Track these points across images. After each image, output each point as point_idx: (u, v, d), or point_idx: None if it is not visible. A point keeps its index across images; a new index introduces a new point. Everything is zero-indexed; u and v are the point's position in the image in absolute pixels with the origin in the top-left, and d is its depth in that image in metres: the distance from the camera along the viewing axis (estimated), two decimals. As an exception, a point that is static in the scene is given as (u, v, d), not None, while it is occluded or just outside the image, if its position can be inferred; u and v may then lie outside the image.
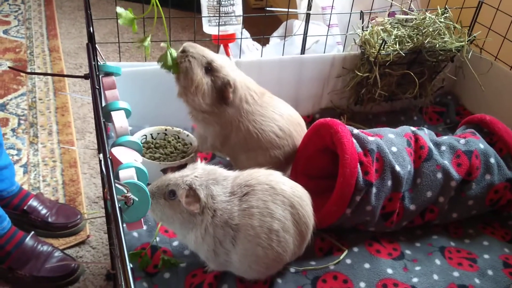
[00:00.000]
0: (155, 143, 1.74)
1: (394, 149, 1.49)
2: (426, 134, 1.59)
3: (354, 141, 1.45)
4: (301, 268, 1.40)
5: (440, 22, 1.94)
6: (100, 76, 1.26)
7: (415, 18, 1.98)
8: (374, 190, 1.43)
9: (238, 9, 1.86)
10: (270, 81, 1.97)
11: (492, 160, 1.55)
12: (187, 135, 1.78)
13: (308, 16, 1.99)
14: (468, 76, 2.18)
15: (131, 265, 0.70)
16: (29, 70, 2.65)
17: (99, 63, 1.26)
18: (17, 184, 1.67)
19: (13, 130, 2.17)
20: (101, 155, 0.91)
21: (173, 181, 1.22)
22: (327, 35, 2.09)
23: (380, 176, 1.45)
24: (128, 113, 1.19)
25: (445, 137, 1.62)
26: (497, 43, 2.07)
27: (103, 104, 1.21)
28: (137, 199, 0.94)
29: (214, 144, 1.61)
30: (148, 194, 0.97)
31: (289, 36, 2.18)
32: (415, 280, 1.38)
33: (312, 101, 2.16)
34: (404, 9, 2.02)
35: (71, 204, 1.77)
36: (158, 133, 1.79)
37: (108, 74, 1.27)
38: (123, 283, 0.68)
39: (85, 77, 1.17)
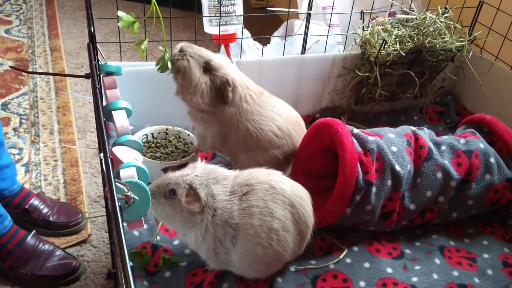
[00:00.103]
0: (156, 142, 1.74)
1: (394, 148, 1.49)
2: (426, 134, 1.59)
3: (354, 140, 1.46)
4: (301, 267, 1.40)
5: (441, 22, 1.94)
6: (101, 76, 1.26)
7: (416, 18, 1.98)
8: (374, 189, 1.43)
9: (239, 9, 1.86)
10: (271, 81, 1.97)
11: (492, 160, 1.55)
12: (188, 135, 1.79)
13: (308, 16, 1.99)
14: (468, 76, 2.19)
15: (132, 264, 0.71)
16: (30, 70, 2.66)
17: (100, 63, 1.26)
18: (18, 183, 1.67)
19: (14, 129, 2.17)
20: (101, 154, 0.91)
21: (174, 180, 1.22)
22: (327, 35, 2.09)
23: (380, 176, 1.45)
24: (129, 113, 1.19)
25: (445, 137, 1.62)
26: (498, 43, 2.07)
27: (104, 104, 1.22)
28: (137, 198, 0.95)
29: (214, 144, 1.61)
30: (148, 193, 0.98)
31: (289, 36, 2.18)
32: (414, 279, 1.38)
33: (312, 100, 2.16)
34: (404, 9, 2.03)
35: (72, 203, 1.78)
36: (159, 133, 1.79)
37: (109, 73, 1.28)
38: (123, 282, 0.68)
39: (86, 76, 1.18)
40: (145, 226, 1.51)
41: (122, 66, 1.35)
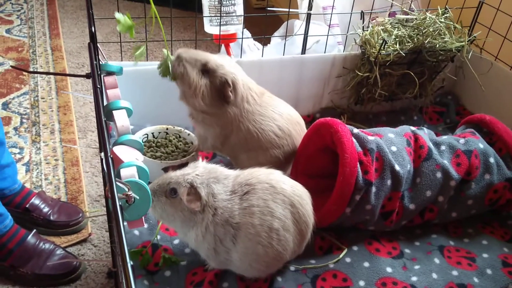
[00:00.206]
0: (156, 142, 1.75)
1: (393, 148, 1.50)
2: (425, 134, 1.60)
3: (354, 140, 1.46)
4: (301, 266, 1.41)
5: (441, 22, 1.95)
6: (102, 75, 1.27)
7: (416, 18, 1.98)
8: (373, 189, 1.44)
9: (239, 9, 1.86)
10: (271, 81, 1.98)
11: (492, 160, 1.55)
12: (188, 134, 1.79)
13: (309, 16, 2.00)
14: (468, 76, 2.19)
15: (132, 263, 0.71)
16: (31, 69, 2.66)
17: (101, 63, 1.27)
18: (19, 182, 1.68)
19: (15, 128, 2.18)
20: (102, 154, 0.92)
21: (175, 179, 1.22)
22: (327, 35, 2.10)
23: (379, 176, 1.45)
24: (129, 112, 1.20)
25: (444, 137, 1.63)
26: (497, 43, 2.07)
27: (105, 103, 1.22)
28: (138, 197, 0.95)
29: (214, 144, 1.62)
30: (149, 193, 0.98)
31: (290, 36, 2.19)
32: (414, 279, 1.39)
33: (312, 100, 2.16)
34: (404, 9, 2.03)
35: (73, 203, 1.78)
36: (159, 132, 1.80)
37: (109, 73, 1.28)
38: (124, 281, 0.68)
39: (87, 76, 1.18)
40: (146, 226, 1.52)
41: (122, 65, 1.36)
